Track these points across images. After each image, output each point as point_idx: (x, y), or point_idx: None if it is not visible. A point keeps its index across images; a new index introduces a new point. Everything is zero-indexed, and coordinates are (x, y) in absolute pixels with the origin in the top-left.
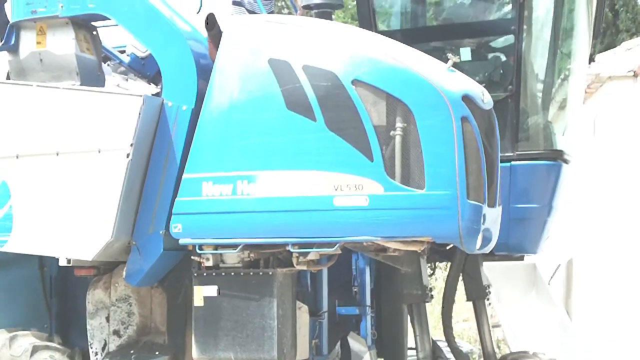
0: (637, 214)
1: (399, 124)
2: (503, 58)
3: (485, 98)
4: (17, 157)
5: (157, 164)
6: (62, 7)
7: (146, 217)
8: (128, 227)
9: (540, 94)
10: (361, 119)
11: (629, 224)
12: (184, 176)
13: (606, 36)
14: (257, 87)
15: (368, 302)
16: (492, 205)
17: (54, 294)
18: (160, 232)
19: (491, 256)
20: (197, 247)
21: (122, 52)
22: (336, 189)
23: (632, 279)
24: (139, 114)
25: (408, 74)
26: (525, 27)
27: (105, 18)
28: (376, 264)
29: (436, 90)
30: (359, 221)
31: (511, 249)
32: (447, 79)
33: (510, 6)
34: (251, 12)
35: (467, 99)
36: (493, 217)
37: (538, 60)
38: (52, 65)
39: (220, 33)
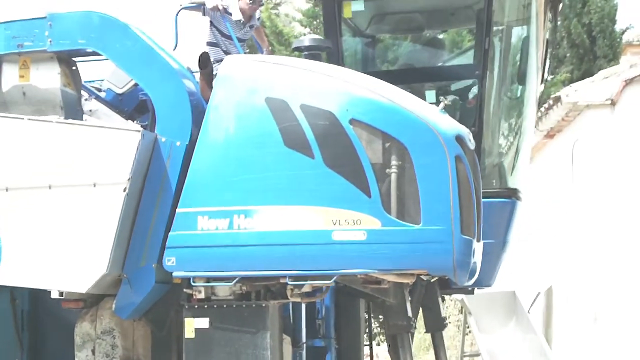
0: (616, 241)
1: (395, 162)
2: (466, 100)
3: (471, 139)
4: (6, 189)
5: (149, 198)
6: (50, 42)
7: (138, 251)
8: (120, 260)
9: (499, 135)
10: (359, 156)
11: (608, 251)
12: (178, 210)
13: (583, 63)
14: (254, 125)
15: (332, 334)
16: (478, 239)
17: (26, 327)
18: (153, 265)
19: (448, 289)
20: (191, 280)
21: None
22: (334, 224)
23: (611, 307)
24: (137, 148)
25: (404, 114)
26: (488, 72)
27: (93, 53)
28: (336, 299)
29: (431, 130)
30: (357, 254)
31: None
32: (440, 120)
33: (474, 52)
34: (226, 52)
35: (459, 139)
36: (479, 251)
37: (498, 103)
38: (35, 98)
39: (212, 72)
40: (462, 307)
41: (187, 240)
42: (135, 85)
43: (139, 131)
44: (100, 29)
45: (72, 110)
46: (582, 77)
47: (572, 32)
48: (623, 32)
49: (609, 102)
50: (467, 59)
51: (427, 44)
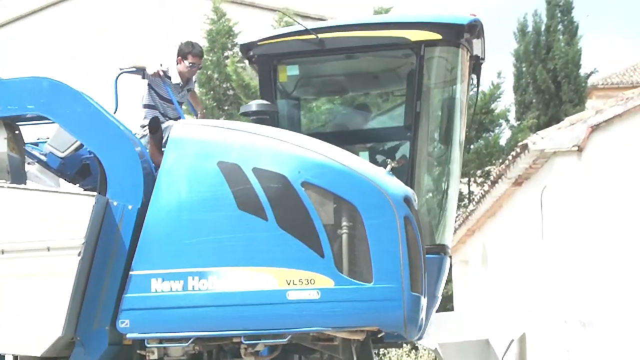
0: (586, 288)
1: (347, 223)
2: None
3: (416, 199)
4: None
5: (102, 261)
6: None
7: (90, 313)
8: (73, 323)
9: (429, 194)
10: (311, 218)
11: (579, 298)
12: (132, 273)
13: (550, 108)
14: (206, 189)
15: None
16: (424, 295)
17: None
18: (106, 327)
19: (380, 343)
20: (145, 341)
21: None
22: (289, 284)
23: (583, 353)
24: (91, 212)
25: (355, 177)
26: (419, 133)
27: (37, 118)
28: None
29: (381, 192)
30: (311, 313)
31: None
32: (389, 182)
33: (405, 115)
34: (163, 114)
35: (407, 200)
36: (425, 306)
37: (428, 163)
38: None
39: (162, 136)
40: (435, 357)
41: (141, 302)
42: (77, 149)
43: (93, 195)
44: (49, 94)
45: (18, 174)
46: (548, 122)
47: (538, 78)
48: (588, 77)
49: (576, 148)
50: (398, 120)
51: (360, 107)
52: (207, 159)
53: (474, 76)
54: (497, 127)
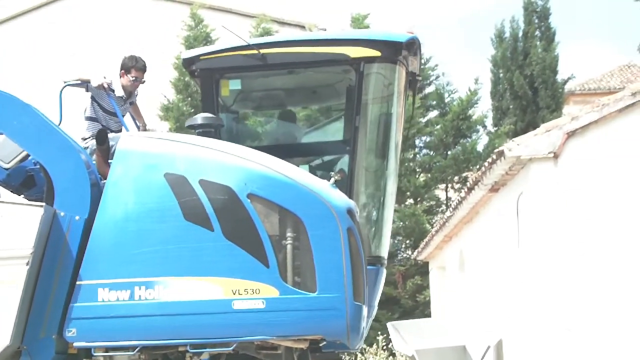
0: (562, 293)
1: (291, 234)
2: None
3: (358, 211)
4: None
5: (48, 271)
6: None
7: (37, 322)
8: (20, 332)
9: (367, 206)
10: (257, 229)
11: (556, 304)
12: (78, 282)
13: (527, 114)
14: (153, 200)
15: None
16: (366, 304)
17: None
18: (52, 336)
19: (319, 354)
20: (92, 350)
21: None
22: (234, 293)
23: (562, 357)
24: (40, 223)
25: (299, 188)
26: (358, 147)
27: None
28: None
29: (325, 204)
30: (256, 322)
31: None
32: (332, 194)
33: (344, 129)
34: (105, 126)
35: (350, 212)
36: (365, 315)
37: (366, 176)
38: None
39: (109, 148)
40: None
41: (88, 311)
42: (22, 160)
43: (41, 206)
44: None
45: None
46: (526, 128)
47: (515, 84)
48: (565, 83)
49: (552, 155)
50: (337, 134)
51: (300, 121)
52: (154, 171)
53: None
54: (475, 133)
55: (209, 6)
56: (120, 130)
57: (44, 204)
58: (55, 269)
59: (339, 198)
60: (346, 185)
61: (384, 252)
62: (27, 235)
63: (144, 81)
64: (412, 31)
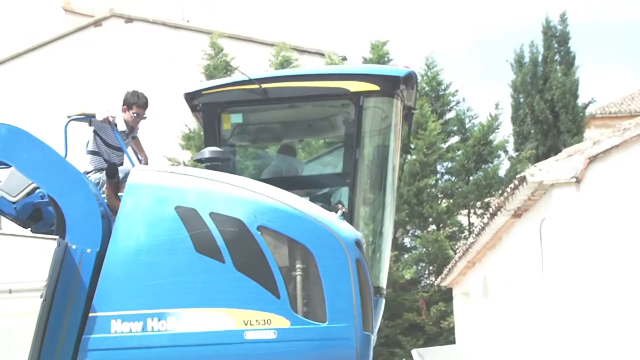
0: (587, 318)
1: (301, 265)
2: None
3: (364, 242)
4: None
5: (61, 303)
6: None
7: (50, 354)
8: None
9: (367, 238)
10: (267, 260)
11: (581, 328)
12: (91, 314)
13: (548, 138)
14: (164, 232)
15: None
16: (374, 334)
17: None
18: None
19: None
20: None
21: None
22: (246, 324)
23: None
24: (53, 256)
25: (308, 221)
26: (357, 180)
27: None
28: None
29: (334, 236)
30: (268, 352)
31: None
32: (340, 226)
33: (344, 162)
34: (107, 161)
35: (358, 243)
36: (373, 344)
37: (365, 208)
38: None
39: (119, 181)
40: None
41: (101, 343)
42: (29, 193)
43: (55, 239)
44: (7, 140)
45: None
46: (547, 153)
47: (535, 108)
48: (585, 107)
49: (574, 179)
50: (337, 167)
51: (301, 153)
52: (165, 204)
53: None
54: (496, 159)
55: (229, 35)
56: (122, 164)
57: (57, 237)
58: (68, 301)
59: (347, 230)
60: (346, 217)
61: (383, 283)
62: (40, 268)
63: (146, 117)
64: (408, 66)
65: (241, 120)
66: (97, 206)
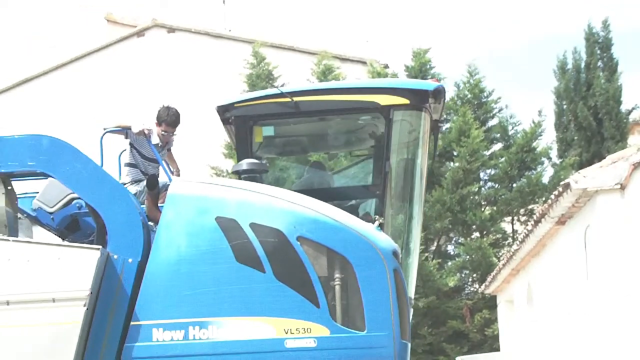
0: (633, 327)
1: (340, 275)
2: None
3: (400, 252)
4: None
5: (103, 312)
6: None
7: None
8: None
9: (400, 246)
10: (307, 270)
11: (626, 337)
12: (133, 323)
13: (592, 145)
14: (205, 242)
15: None
16: (410, 342)
17: None
18: None
19: None
20: None
21: None
22: (286, 332)
23: None
24: (96, 265)
25: (346, 231)
26: (387, 191)
27: (36, 174)
28: None
29: (372, 246)
30: None
31: None
32: (378, 237)
33: (373, 174)
34: (144, 172)
35: (395, 254)
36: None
37: (395, 220)
38: None
39: (159, 193)
40: None
41: (143, 351)
42: (66, 204)
43: (98, 249)
44: (49, 151)
45: (12, 228)
46: (591, 159)
47: (579, 115)
48: (629, 113)
49: (619, 186)
50: (367, 179)
51: (330, 165)
52: (206, 215)
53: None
54: (540, 165)
55: (271, 44)
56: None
57: (100, 246)
58: (109, 310)
59: (385, 240)
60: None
61: (412, 293)
62: (84, 277)
63: (175, 134)
64: (437, 79)
65: (273, 132)
66: (138, 216)
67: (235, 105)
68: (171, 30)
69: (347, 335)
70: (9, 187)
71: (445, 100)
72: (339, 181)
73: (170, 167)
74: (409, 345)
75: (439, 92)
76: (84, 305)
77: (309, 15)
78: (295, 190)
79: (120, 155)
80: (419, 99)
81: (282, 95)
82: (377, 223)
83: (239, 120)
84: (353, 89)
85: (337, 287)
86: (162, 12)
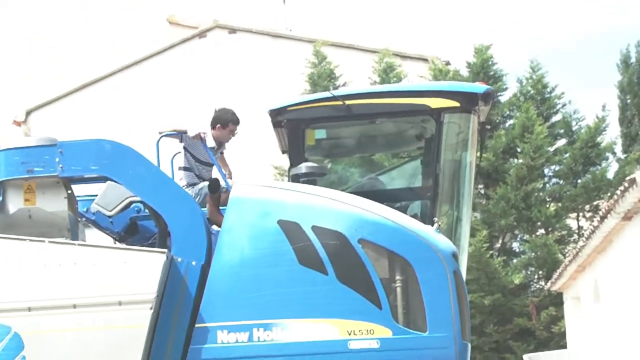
0: None
1: (401, 277)
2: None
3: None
4: (29, 309)
5: (167, 315)
6: (62, 167)
7: None
8: None
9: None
10: (369, 272)
11: None
12: (198, 325)
13: None
14: (267, 245)
15: None
16: (470, 343)
17: None
18: None
19: None
20: None
21: None
22: (349, 334)
23: None
24: (162, 268)
25: (407, 234)
26: (438, 193)
27: (96, 179)
28: None
29: (432, 248)
30: None
31: None
32: (438, 239)
33: (425, 176)
34: (198, 176)
35: (455, 255)
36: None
37: (445, 222)
38: (41, 221)
39: (220, 196)
40: None
41: (208, 353)
42: (124, 208)
43: (164, 252)
44: (112, 156)
45: (74, 232)
46: None
47: None
48: None
49: None
50: (417, 181)
51: (381, 167)
52: (268, 218)
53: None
54: (604, 161)
55: (332, 43)
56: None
57: (165, 250)
58: (174, 313)
59: (445, 242)
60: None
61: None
62: (151, 280)
63: (237, 132)
64: (483, 81)
65: (325, 135)
66: (201, 220)
67: (288, 109)
68: (232, 31)
69: (409, 336)
70: (69, 192)
71: (499, 100)
72: (388, 183)
73: (223, 169)
74: (469, 345)
75: (488, 95)
76: (150, 309)
77: (369, 13)
78: (347, 192)
79: (172, 159)
80: (469, 102)
81: (334, 98)
82: (436, 225)
83: (291, 124)
84: (404, 92)
85: (399, 289)
86: (224, 13)
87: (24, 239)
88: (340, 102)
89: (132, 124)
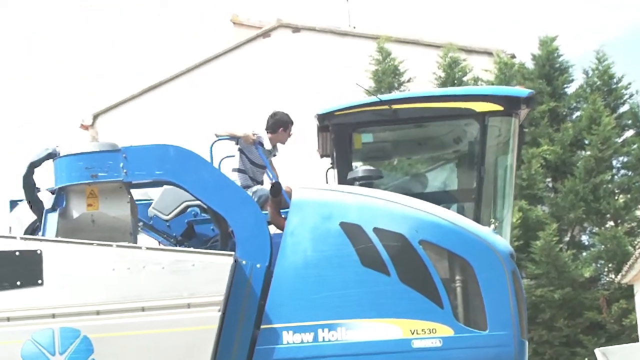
0: None
1: (461, 277)
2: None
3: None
4: (97, 313)
5: (233, 316)
6: (126, 173)
7: None
8: None
9: None
10: (430, 273)
11: None
12: (263, 326)
13: None
14: (330, 247)
15: None
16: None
17: None
18: None
19: None
20: None
21: None
22: (413, 333)
23: None
24: (230, 271)
25: (466, 235)
26: (482, 196)
27: (167, 183)
28: None
29: (491, 249)
30: None
31: None
32: (496, 240)
33: (470, 179)
34: (252, 178)
35: (512, 256)
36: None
37: (491, 223)
38: (104, 226)
39: (281, 200)
40: None
41: (274, 353)
42: (181, 212)
43: (232, 255)
44: (176, 161)
45: (135, 236)
46: None
47: None
48: None
49: None
50: (462, 183)
51: (427, 170)
52: (330, 220)
53: None
54: None
55: (395, 39)
56: (263, 182)
57: (233, 253)
58: (239, 314)
59: (502, 243)
60: None
61: None
62: (218, 283)
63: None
64: (522, 85)
65: (371, 139)
66: (264, 222)
67: (336, 113)
68: (296, 29)
69: (471, 334)
70: (129, 196)
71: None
72: (432, 186)
73: (273, 172)
74: (527, 343)
75: (530, 99)
76: (219, 310)
77: (433, 7)
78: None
79: (220, 162)
80: (511, 106)
81: (380, 103)
82: (493, 226)
83: (339, 128)
84: (448, 96)
85: (459, 289)
86: (287, 12)
87: (92, 244)
88: (387, 107)
89: (197, 126)
